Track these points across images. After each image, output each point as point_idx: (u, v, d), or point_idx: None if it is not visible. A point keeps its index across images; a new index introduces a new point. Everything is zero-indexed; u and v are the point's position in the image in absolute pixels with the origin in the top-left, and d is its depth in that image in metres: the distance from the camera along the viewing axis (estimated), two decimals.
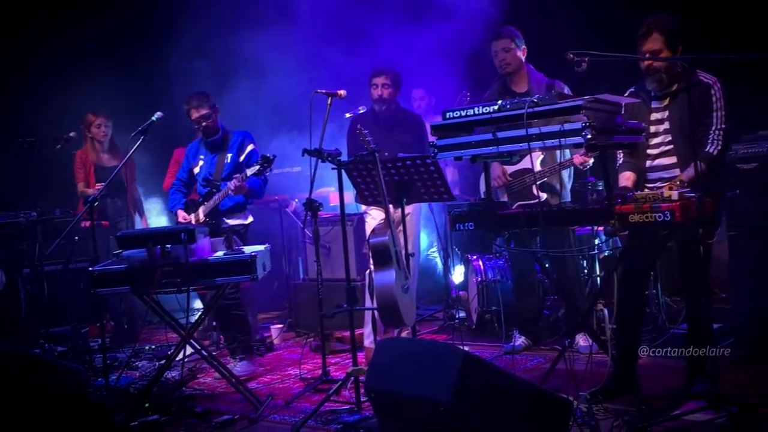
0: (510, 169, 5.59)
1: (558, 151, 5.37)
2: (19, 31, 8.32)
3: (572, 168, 5.64)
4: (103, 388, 4.97)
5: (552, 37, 5.72)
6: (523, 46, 5.52)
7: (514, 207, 5.50)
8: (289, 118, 7.83)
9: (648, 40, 4.24)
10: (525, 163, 5.49)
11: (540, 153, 5.44)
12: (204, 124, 5.77)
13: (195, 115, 5.76)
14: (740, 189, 4.99)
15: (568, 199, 5.69)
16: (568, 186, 5.72)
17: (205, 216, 5.69)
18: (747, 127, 5.22)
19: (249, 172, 5.41)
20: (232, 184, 5.49)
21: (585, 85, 4.16)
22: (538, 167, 5.49)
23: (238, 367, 5.55)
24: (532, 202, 5.29)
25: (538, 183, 5.47)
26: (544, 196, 5.48)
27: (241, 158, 5.77)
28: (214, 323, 6.58)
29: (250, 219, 5.94)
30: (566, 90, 5.30)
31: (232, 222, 5.78)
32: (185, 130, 6.37)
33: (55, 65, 8.04)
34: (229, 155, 5.79)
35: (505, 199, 5.62)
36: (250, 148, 5.80)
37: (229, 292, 5.38)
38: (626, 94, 4.48)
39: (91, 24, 8.29)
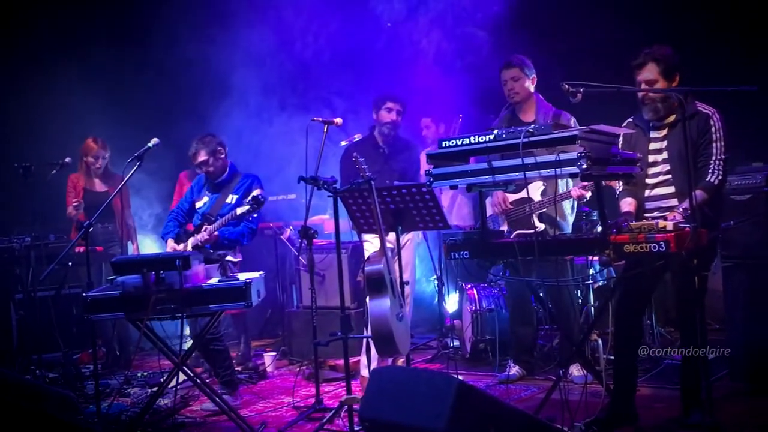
0: (511, 197, 5.60)
1: (560, 183, 5.38)
2: (15, 55, 8.35)
3: (575, 201, 5.63)
4: (95, 415, 4.91)
5: (563, 67, 5.74)
6: (533, 76, 5.54)
7: (512, 235, 5.50)
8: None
9: (643, 69, 4.30)
10: (526, 192, 5.48)
11: (541, 183, 5.46)
12: (205, 169, 5.83)
13: (195, 161, 5.85)
14: (734, 220, 5.01)
15: (568, 231, 5.66)
16: (570, 219, 5.68)
17: (193, 248, 5.67)
18: (740, 159, 5.25)
19: (239, 211, 5.43)
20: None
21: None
22: (537, 197, 5.50)
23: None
24: (529, 231, 5.29)
25: (537, 213, 5.48)
26: (542, 226, 5.48)
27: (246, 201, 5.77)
28: None
29: (240, 258, 5.92)
30: (572, 122, 5.32)
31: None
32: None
33: (52, 90, 8.04)
34: (234, 197, 5.81)
35: (505, 226, 5.63)
36: (256, 192, 5.78)
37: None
38: (624, 125, 4.51)
39: (89, 47, 8.31)
